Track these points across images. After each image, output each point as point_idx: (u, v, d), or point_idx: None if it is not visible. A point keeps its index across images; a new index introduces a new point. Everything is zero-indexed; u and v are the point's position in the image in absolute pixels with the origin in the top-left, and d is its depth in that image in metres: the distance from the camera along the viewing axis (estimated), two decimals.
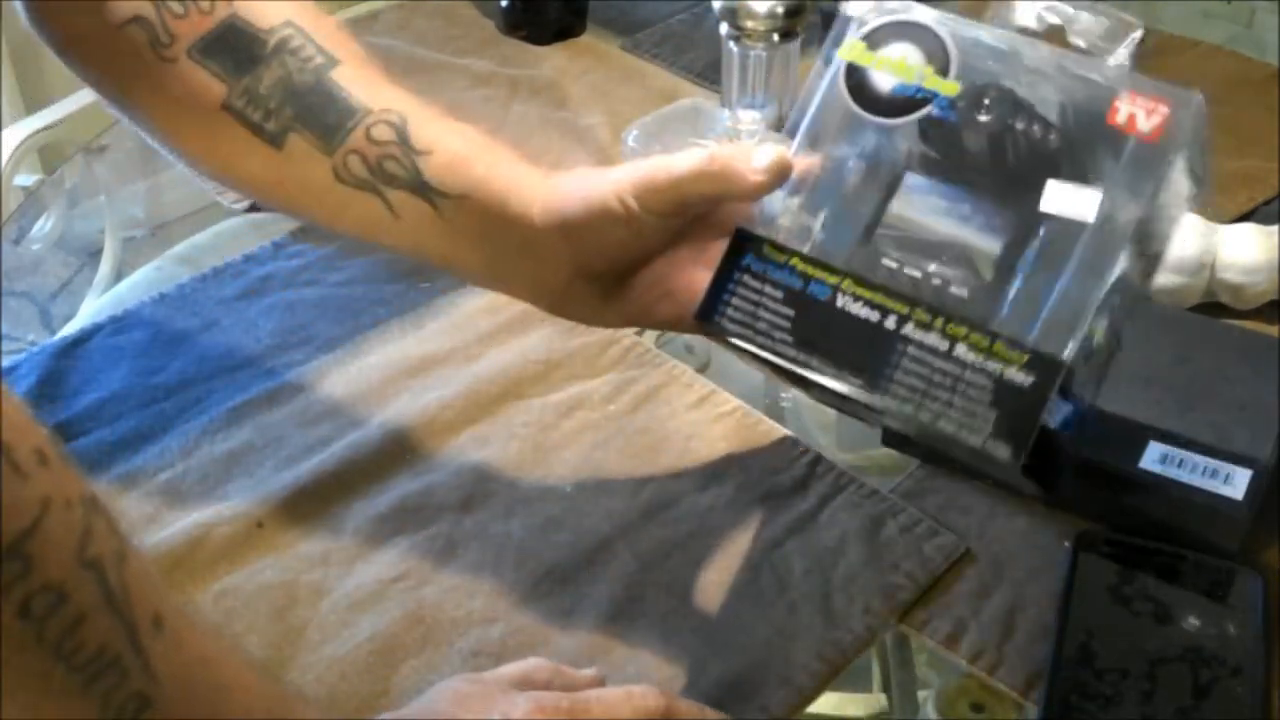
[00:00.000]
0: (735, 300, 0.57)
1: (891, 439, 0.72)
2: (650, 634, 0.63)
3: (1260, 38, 1.11)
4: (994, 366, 0.52)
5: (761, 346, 0.57)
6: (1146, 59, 1.07)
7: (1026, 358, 0.52)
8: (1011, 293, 0.54)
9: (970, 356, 0.52)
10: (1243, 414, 0.68)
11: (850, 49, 0.58)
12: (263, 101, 0.65)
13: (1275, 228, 0.81)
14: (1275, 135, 0.95)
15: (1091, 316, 0.53)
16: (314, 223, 0.72)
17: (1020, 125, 0.55)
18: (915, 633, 0.63)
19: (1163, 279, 0.80)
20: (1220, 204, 0.89)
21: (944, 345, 0.53)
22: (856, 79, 0.58)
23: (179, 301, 0.85)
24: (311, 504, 0.70)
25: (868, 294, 0.55)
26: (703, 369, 0.80)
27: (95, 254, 1.02)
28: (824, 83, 0.59)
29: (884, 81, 0.57)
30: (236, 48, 0.65)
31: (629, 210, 0.60)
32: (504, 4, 1.13)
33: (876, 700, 0.63)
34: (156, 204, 1.18)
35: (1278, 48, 1.06)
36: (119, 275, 0.97)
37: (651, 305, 0.64)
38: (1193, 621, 0.61)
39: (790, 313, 0.56)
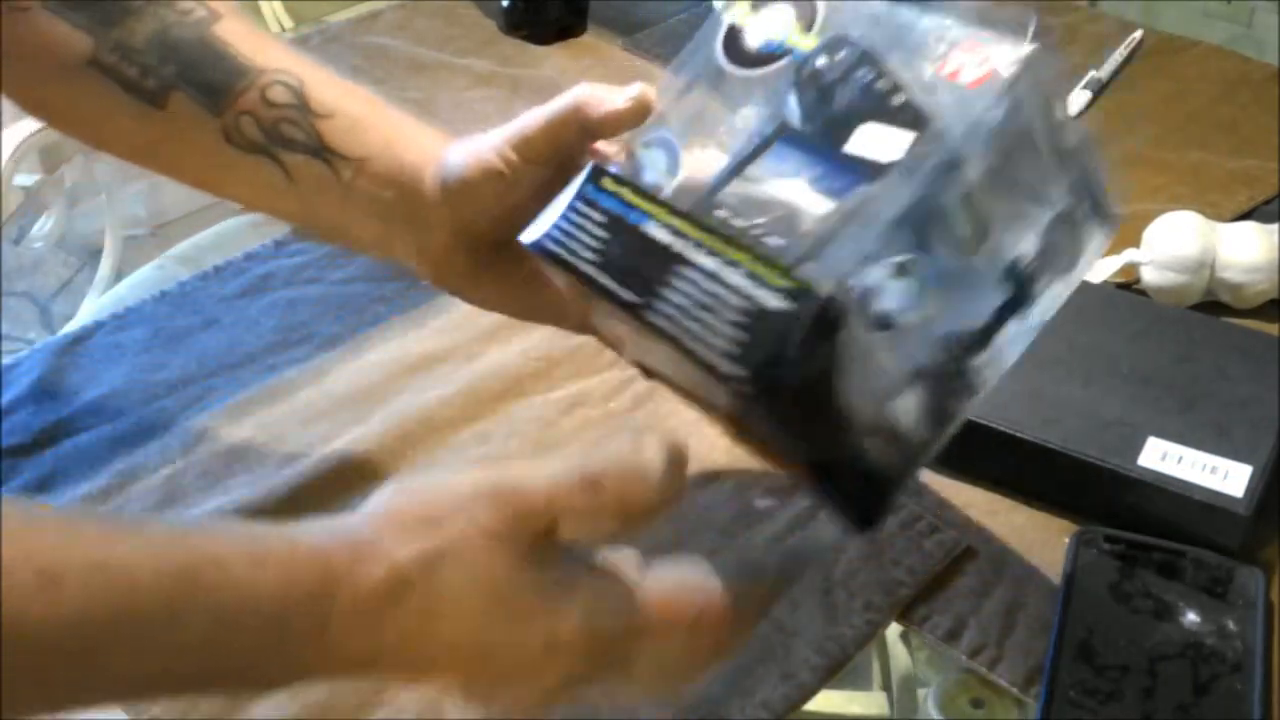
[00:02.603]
0: (561, 224, 0.55)
1: None
2: None
3: (1260, 38, 1.11)
4: (750, 287, 0.48)
5: (567, 265, 0.54)
6: (1146, 59, 1.07)
7: (785, 283, 0.48)
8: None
9: (735, 278, 0.49)
10: (1243, 412, 0.68)
11: (733, 8, 0.57)
12: (138, 57, 0.62)
13: (1275, 227, 0.81)
14: (1275, 135, 0.95)
15: (870, 252, 0.49)
16: (192, 184, 0.69)
17: (862, 77, 0.52)
18: (915, 629, 0.63)
19: (1163, 278, 0.80)
20: (1220, 203, 0.89)
21: (716, 266, 0.50)
22: (736, 37, 0.56)
23: (180, 299, 0.85)
24: (312, 500, 0.70)
25: (676, 222, 0.52)
26: None
27: (96, 253, 1.03)
28: (707, 34, 0.57)
29: (754, 39, 0.56)
30: None
31: (509, 163, 0.59)
32: (505, 4, 1.13)
33: (877, 697, 0.63)
34: (157, 203, 1.18)
35: (1278, 48, 1.06)
36: (119, 275, 0.97)
37: (525, 280, 0.62)
38: (1193, 618, 0.61)
39: (605, 235, 0.54)
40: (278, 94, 0.62)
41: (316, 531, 0.47)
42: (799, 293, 0.47)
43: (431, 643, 0.47)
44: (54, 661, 0.42)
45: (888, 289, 0.49)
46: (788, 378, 0.47)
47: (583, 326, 0.63)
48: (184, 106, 0.62)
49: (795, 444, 0.51)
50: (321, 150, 0.62)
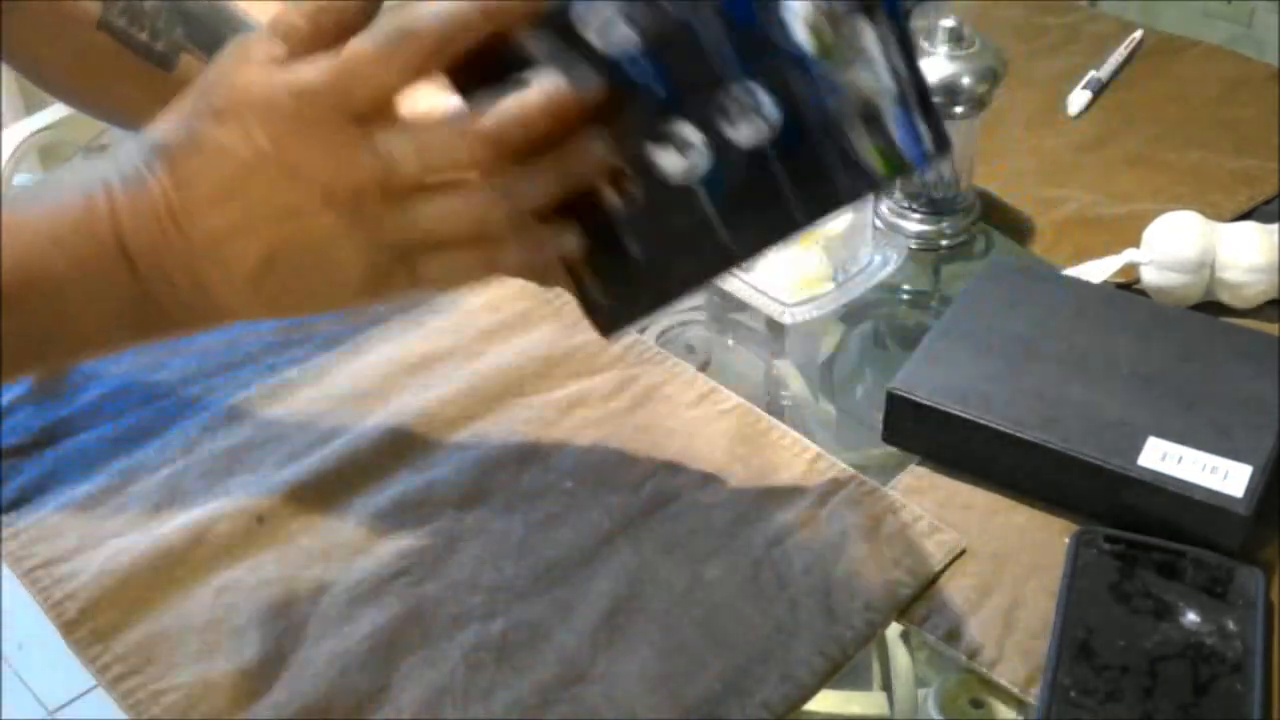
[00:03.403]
0: None
1: (892, 436, 0.72)
2: (651, 630, 0.63)
3: (1260, 38, 1.11)
4: None
5: None
6: (1146, 59, 1.07)
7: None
8: None
9: None
10: (1243, 412, 0.68)
11: None
12: (147, 20, 0.64)
13: (1275, 227, 0.81)
14: (1275, 135, 0.95)
15: None
16: None
17: None
18: (915, 629, 0.63)
19: (1163, 278, 0.80)
20: (1220, 203, 0.89)
21: None
22: None
23: None
24: (312, 500, 0.70)
25: None
26: (703, 367, 0.80)
27: None
28: None
29: None
30: None
31: None
32: None
33: (877, 697, 0.63)
34: None
35: (1278, 48, 1.06)
36: None
37: None
38: (1192, 618, 0.61)
39: None
40: None
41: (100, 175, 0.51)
42: None
43: (229, 225, 0.50)
44: None
45: None
46: None
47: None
48: (193, 68, 0.64)
49: None
50: None
